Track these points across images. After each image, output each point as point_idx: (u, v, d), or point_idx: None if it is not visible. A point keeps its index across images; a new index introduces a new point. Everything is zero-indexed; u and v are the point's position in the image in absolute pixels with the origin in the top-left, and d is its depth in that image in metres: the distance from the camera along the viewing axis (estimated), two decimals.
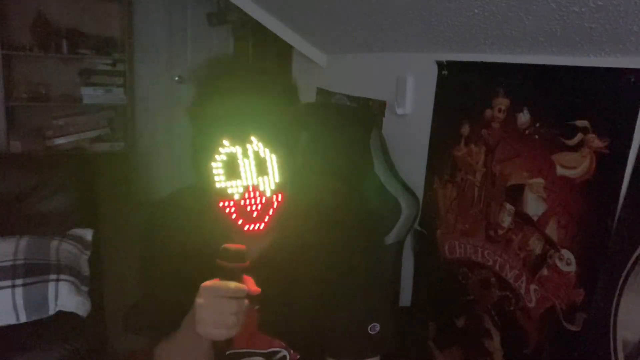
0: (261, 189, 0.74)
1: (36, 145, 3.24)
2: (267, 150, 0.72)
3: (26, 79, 3.29)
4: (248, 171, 0.73)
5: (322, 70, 2.07)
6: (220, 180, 0.73)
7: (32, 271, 1.58)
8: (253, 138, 0.72)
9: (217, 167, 0.73)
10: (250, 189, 0.74)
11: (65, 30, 3.28)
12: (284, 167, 0.74)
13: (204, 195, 0.76)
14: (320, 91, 2.08)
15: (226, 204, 0.74)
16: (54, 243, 1.71)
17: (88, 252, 1.80)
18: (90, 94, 3.41)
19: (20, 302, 1.53)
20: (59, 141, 3.31)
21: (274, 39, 2.06)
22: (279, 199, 0.75)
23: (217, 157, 0.72)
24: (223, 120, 0.73)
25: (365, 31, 1.58)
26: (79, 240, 1.81)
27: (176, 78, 3.72)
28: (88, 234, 1.86)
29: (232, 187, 0.74)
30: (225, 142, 0.72)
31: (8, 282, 1.53)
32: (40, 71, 3.34)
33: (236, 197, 0.74)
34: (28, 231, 1.74)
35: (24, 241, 1.67)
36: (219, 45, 3.73)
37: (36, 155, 2.95)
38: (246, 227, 0.76)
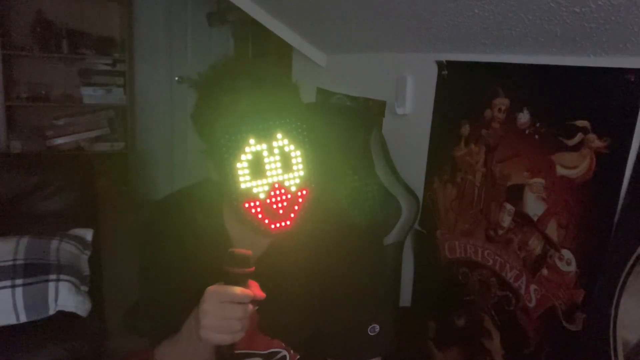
0: (286, 185, 0.74)
1: (36, 145, 3.25)
2: (292, 146, 0.72)
3: (26, 79, 3.29)
4: (273, 168, 0.73)
5: (322, 70, 2.06)
6: (245, 180, 0.73)
7: (32, 271, 1.58)
8: (279, 134, 0.71)
9: (242, 168, 0.72)
10: (276, 186, 0.74)
11: (65, 30, 3.28)
12: (308, 161, 0.74)
13: (229, 197, 0.75)
14: (320, 91, 2.08)
15: (252, 204, 0.74)
16: (54, 243, 1.71)
17: (88, 252, 1.80)
18: (90, 94, 3.41)
19: (20, 302, 1.52)
20: (59, 141, 3.32)
21: (274, 39, 2.06)
22: (304, 194, 0.75)
23: (242, 157, 0.71)
24: (247, 119, 0.72)
25: (365, 31, 1.58)
26: (79, 240, 1.81)
27: (176, 78, 3.72)
28: (88, 234, 1.86)
29: (257, 186, 0.73)
30: (251, 140, 0.71)
31: (8, 282, 1.53)
32: (40, 71, 3.34)
33: (262, 196, 0.74)
34: (28, 231, 1.74)
35: (24, 241, 1.67)
36: (219, 45, 3.72)
37: (36, 155, 2.94)
38: (273, 226, 0.75)
